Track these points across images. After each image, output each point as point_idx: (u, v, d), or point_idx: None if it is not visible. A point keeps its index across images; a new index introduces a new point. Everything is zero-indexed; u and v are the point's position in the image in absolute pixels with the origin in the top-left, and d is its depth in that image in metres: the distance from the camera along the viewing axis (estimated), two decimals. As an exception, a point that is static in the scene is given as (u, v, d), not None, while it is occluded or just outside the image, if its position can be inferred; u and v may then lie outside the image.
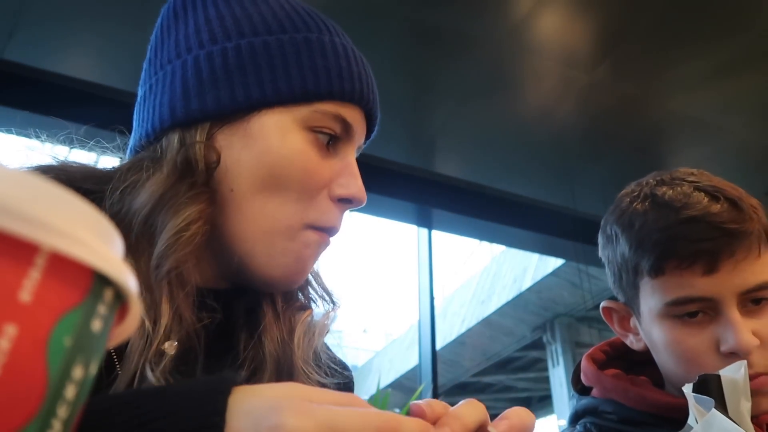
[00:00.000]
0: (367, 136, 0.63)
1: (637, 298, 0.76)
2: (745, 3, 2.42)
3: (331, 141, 0.56)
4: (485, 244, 8.53)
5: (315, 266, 0.61)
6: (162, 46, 0.58)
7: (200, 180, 0.52)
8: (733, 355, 0.67)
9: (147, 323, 0.46)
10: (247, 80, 0.53)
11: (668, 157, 3.44)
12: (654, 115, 3.06)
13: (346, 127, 0.56)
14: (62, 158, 0.60)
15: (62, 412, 0.19)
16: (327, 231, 0.56)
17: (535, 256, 7.04)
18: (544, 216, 3.71)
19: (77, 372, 0.19)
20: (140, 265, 0.49)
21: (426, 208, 3.58)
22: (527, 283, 7.26)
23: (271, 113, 0.53)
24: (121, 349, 0.47)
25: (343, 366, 0.66)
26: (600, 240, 0.83)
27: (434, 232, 3.84)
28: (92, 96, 2.67)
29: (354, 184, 0.56)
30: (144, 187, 0.51)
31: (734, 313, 0.68)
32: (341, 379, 0.62)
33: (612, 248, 0.79)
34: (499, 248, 8.38)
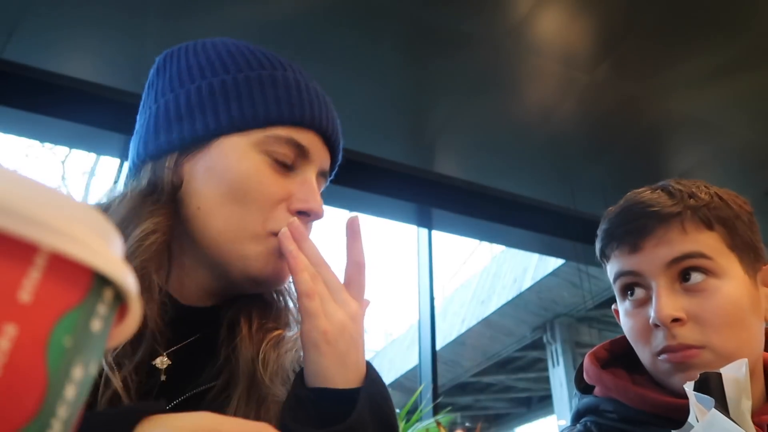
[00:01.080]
0: (334, 164, 0.71)
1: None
2: (746, 3, 2.42)
3: (287, 161, 0.63)
4: (485, 244, 8.53)
5: (291, 292, 0.68)
6: (147, 97, 0.68)
7: (163, 200, 0.60)
8: (659, 328, 0.71)
9: None
10: (206, 113, 0.62)
11: (668, 157, 3.44)
12: (654, 115, 3.06)
13: (301, 149, 0.63)
14: None
15: (62, 412, 0.19)
16: None
17: (535, 256, 7.04)
18: (544, 216, 3.71)
19: (77, 372, 0.19)
20: None
21: (426, 208, 3.58)
22: (527, 283, 7.25)
23: (228, 139, 0.61)
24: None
25: None
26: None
27: (434, 232, 3.84)
28: (92, 96, 2.67)
29: (311, 198, 0.63)
30: (118, 210, 0.60)
31: (659, 287, 0.72)
32: None
33: None
34: (499, 248, 8.38)
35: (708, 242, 0.72)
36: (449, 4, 2.40)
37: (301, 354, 0.60)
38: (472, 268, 9.26)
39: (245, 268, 0.60)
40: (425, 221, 3.75)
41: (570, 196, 3.63)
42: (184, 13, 2.38)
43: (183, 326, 0.60)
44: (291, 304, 0.69)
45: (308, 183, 0.64)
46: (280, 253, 0.60)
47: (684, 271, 0.72)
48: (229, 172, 0.60)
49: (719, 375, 0.62)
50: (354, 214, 0.62)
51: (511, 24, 2.52)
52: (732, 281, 0.72)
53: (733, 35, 2.56)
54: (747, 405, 0.61)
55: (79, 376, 0.20)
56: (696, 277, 0.71)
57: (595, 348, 0.83)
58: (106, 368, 0.51)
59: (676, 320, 0.70)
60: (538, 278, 7.04)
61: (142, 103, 0.69)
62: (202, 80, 0.64)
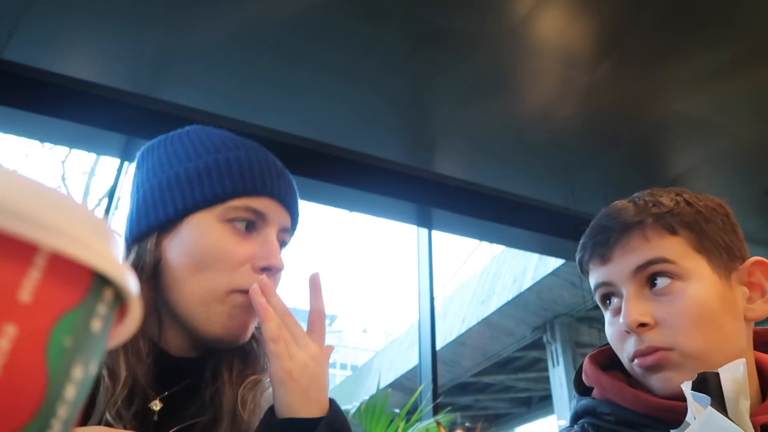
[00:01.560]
0: (295, 221, 0.81)
1: None
2: (745, 3, 2.42)
3: (249, 226, 0.73)
4: (485, 244, 8.53)
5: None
6: (132, 186, 0.80)
7: (144, 276, 0.70)
8: (630, 333, 0.74)
9: (108, 383, 0.64)
10: (175, 198, 0.73)
11: (668, 157, 3.44)
12: (654, 115, 3.06)
13: (258, 213, 0.74)
14: None
15: (62, 412, 0.19)
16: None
17: (535, 256, 7.04)
18: (544, 216, 3.71)
19: (77, 372, 0.19)
20: None
21: (426, 208, 3.58)
22: (527, 283, 7.25)
23: (196, 216, 0.72)
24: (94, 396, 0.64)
25: None
26: None
27: (434, 232, 3.84)
28: (92, 96, 2.67)
29: (272, 255, 0.73)
30: None
31: (627, 294, 0.75)
32: None
33: None
34: (499, 248, 8.38)
35: (671, 247, 0.75)
36: (449, 4, 2.40)
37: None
38: (472, 268, 9.26)
39: (209, 327, 0.70)
40: (425, 221, 3.75)
41: (570, 196, 3.63)
42: (184, 13, 2.38)
43: (173, 374, 0.72)
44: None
45: (268, 242, 0.74)
46: (243, 309, 0.70)
47: (650, 276, 0.74)
48: (197, 244, 0.71)
49: (717, 375, 0.63)
50: (315, 270, 0.73)
51: (511, 24, 2.52)
52: (699, 283, 0.73)
53: (733, 35, 2.56)
54: (745, 405, 0.61)
55: (80, 376, 0.20)
56: (662, 282, 0.73)
57: (595, 351, 0.84)
58: (110, 420, 0.62)
59: (643, 325, 0.72)
60: (538, 278, 7.05)
61: (129, 190, 0.81)
62: (171, 170, 0.75)
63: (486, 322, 8.14)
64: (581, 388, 0.83)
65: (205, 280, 0.70)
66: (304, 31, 2.49)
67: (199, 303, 0.70)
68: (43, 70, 2.61)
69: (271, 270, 0.73)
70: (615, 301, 0.78)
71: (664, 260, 0.74)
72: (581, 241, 0.84)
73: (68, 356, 0.19)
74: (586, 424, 0.76)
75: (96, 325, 0.20)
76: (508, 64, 2.74)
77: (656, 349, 0.71)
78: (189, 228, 0.72)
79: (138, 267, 0.71)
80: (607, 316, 0.80)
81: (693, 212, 0.77)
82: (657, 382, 0.71)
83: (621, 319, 0.74)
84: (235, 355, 0.76)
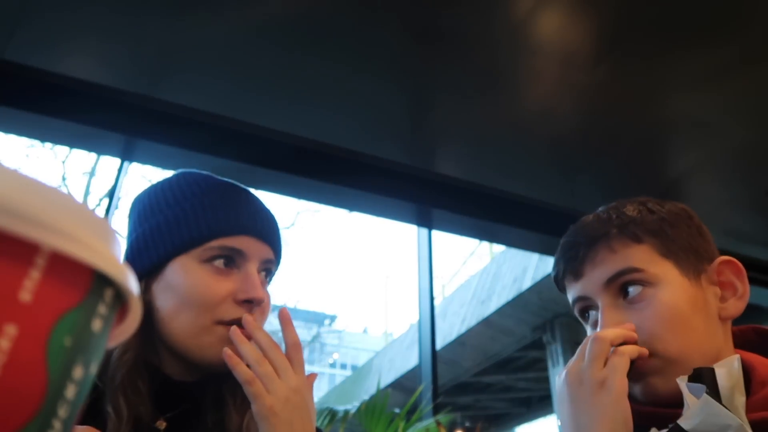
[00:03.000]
0: (278, 253, 0.85)
1: None
2: (745, 3, 2.42)
3: (228, 262, 0.78)
4: (485, 244, 8.52)
5: None
6: (126, 232, 0.85)
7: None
8: None
9: (114, 419, 0.69)
10: (158, 245, 0.78)
11: (668, 157, 3.44)
12: (654, 115, 3.06)
13: (236, 251, 0.78)
14: None
15: (62, 412, 0.19)
16: (236, 323, 0.75)
17: (535, 256, 7.04)
18: (544, 216, 3.71)
19: (77, 372, 0.19)
20: (102, 381, 0.72)
21: (426, 208, 3.58)
22: (527, 283, 7.25)
23: (177, 260, 0.77)
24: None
25: None
26: None
27: (434, 232, 3.84)
28: (92, 96, 2.67)
29: (251, 288, 0.77)
30: None
31: (603, 306, 0.78)
32: None
33: None
34: (499, 248, 8.38)
35: (637, 255, 0.77)
36: (449, 4, 2.40)
37: None
38: (472, 268, 9.26)
39: (203, 356, 0.75)
40: (425, 221, 3.75)
41: (570, 196, 3.63)
42: (185, 12, 2.38)
43: (175, 397, 0.77)
44: None
45: (248, 276, 0.78)
46: (229, 340, 0.74)
47: (622, 286, 0.77)
48: (180, 286, 0.76)
49: (712, 370, 0.63)
50: (282, 305, 0.75)
51: (511, 24, 2.52)
52: (668, 287, 0.75)
53: (733, 35, 2.56)
54: (741, 401, 0.62)
55: (80, 376, 0.20)
56: (633, 290, 0.76)
57: None
58: None
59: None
60: (538, 278, 7.04)
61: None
62: (154, 219, 0.81)
63: (486, 322, 8.13)
64: None
65: (191, 317, 0.75)
66: (305, 31, 2.49)
67: (189, 336, 0.75)
68: (43, 70, 2.61)
69: (252, 302, 0.77)
70: (593, 314, 0.81)
71: (633, 269, 0.76)
72: (555, 258, 0.87)
73: (68, 356, 0.19)
74: None
75: (96, 325, 0.20)
76: (508, 64, 2.74)
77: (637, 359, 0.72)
78: (172, 271, 0.77)
79: None
80: (588, 329, 0.83)
81: (656, 219, 0.79)
82: (641, 388, 0.73)
83: (598, 329, 0.77)
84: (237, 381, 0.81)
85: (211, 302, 0.75)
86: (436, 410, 3.09)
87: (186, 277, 0.76)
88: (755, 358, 0.74)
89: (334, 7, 2.41)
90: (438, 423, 2.75)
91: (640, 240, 0.78)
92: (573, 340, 7.72)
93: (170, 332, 0.76)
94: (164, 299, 0.77)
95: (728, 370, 0.63)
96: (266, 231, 0.83)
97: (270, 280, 0.86)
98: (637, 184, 3.50)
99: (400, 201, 3.43)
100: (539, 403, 10.99)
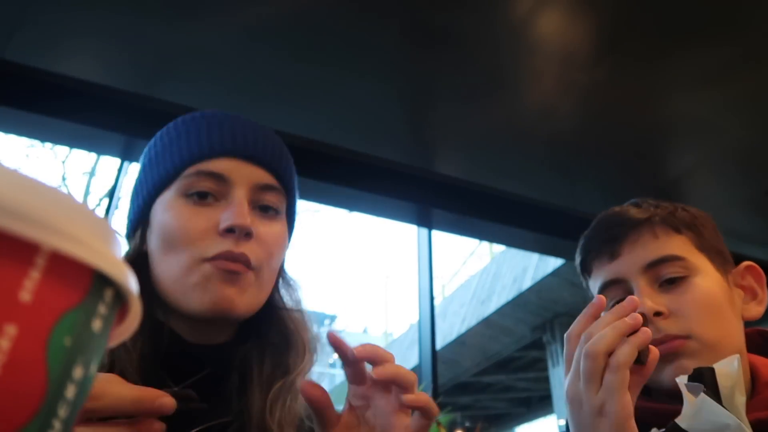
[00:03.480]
0: (282, 172, 0.74)
1: None
2: (745, 3, 2.42)
3: (210, 193, 0.68)
4: (485, 244, 8.52)
5: (306, 318, 0.74)
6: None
7: (134, 270, 0.67)
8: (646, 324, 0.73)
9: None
10: (143, 186, 0.73)
11: (668, 157, 3.44)
12: (654, 115, 3.06)
13: (216, 177, 0.69)
14: None
15: (63, 412, 0.19)
16: (221, 257, 0.65)
17: (535, 256, 7.04)
18: (544, 216, 3.71)
19: (77, 372, 0.19)
20: None
21: (426, 208, 3.58)
22: (527, 283, 7.25)
23: (159, 199, 0.70)
24: None
25: None
26: None
27: (434, 232, 3.84)
28: (92, 96, 2.67)
29: (234, 215, 0.66)
30: None
31: (640, 285, 0.77)
32: None
33: None
34: (499, 248, 8.38)
35: (678, 244, 0.79)
36: (449, 4, 2.39)
37: None
38: (472, 268, 9.26)
39: (190, 304, 0.65)
40: (425, 221, 3.75)
41: (570, 196, 3.63)
42: (185, 12, 2.37)
43: (194, 362, 0.66)
44: (309, 335, 0.73)
45: (232, 203, 0.67)
46: (215, 278, 0.64)
47: (661, 273, 0.77)
48: (160, 225, 0.68)
49: (712, 369, 0.63)
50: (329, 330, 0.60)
51: (510, 24, 2.52)
52: (706, 277, 0.77)
53: (732, 35, 2.56)
54: (741, 400, 0.62)
55: (80, 376, 0.20)
56: (672, 277, 0.77)
57: None
58: None
59: (658, 314, 0.74)
60: (538, 278, 7.04)
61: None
62: (141, 163, 0.76)
63: (486, 322, 8.13)
64: None
65: (172, 258, 0.66)
66: (304, 31, 2.49)
67: (173, 282, 0.66)
68: (43, 70, 2.60)
69: (235, 231, 0.66)
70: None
71: (676, 257, 0.77)
72: (582, 243, 0.86)
73: (69, 356, 0.19)
74: None
75: (96, 324, 0.20)
76: (508, 64, 2.74)
77: (674, 338, 0.72)
78: (155, 212, 0.70)
79: (129, 263, 0.68)
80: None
81: (690, 216, 0.82)
82: (671, 371, 0.72)
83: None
84: (267, 348, 0.70)
85: (190, 237, 0.66)
86: (436, 410, 3.09)
87: (165, 214, 0.68)
88: (760, 360, 0.75)
89: (333, 10, 2.41)
90: (438, 423, 2.75)
91: (680, 231, 0.79)
92: (573, 340, 7.70)
93: (159, 279, 0.68)
94: (152, 243, 0.70)
95: (728, 370, 0.63)
96: (256, 150, 0.71)
97: (278, 214, 0.73)
98: (637, 184, 3.50)
99: (400, 201, 3.42)
100: (539, 403, 10.99)
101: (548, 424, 11.15)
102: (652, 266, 0.77)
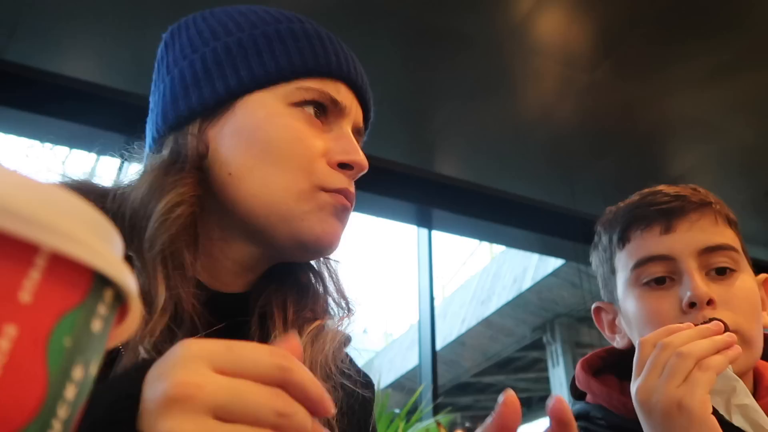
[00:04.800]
0: (366, 120, 0.65)
1: (615, 286, 0.81)
2: (745, 3, 2.42)
3: (320, 113, 0.58)
4: (485, 244, 8.53)
5: (333, 273, 0.64)
6: (158, 75, 0.65)
7: (187, 168, 0.56)
8: (693, 308, 0.71)
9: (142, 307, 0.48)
10: (226, 73, 0.58)
11: (668, 157, 3.44)
12: (654, 115, 3.06)
13: (334, 102, 0.59)
14: (83, 177, 0.62)
15: (62, 412, 0.19)
16: (340, 193, 0.57)
17: (535, 256, 7.03)
18: (544, 216, 3.71)
19: (77, 372, 0.19)
20: (133, 250, 0.52)
21: (426, 208, 3.58)
22: (527, 284, 7.25)
23: (254, 97, 0.57)
24: None
25: (364, 382, 0.64)
26: (591, 252, 0.89)
27: (434, 232, 3.84)
28: (92, 96, 2.67)
29: (352, 150, 0.57)
30: (139, 187, 0.56)
31: (692, 269, 0.73)
32: (360, 389, 0.61)
33: (596, 250, 0.86)
34: (499, 248, 8.38)
35: (732, 237, 0.77)
36: (449, 4, 2.40)
37: (345, 346, 0.58)
38: (472, 268, 9.26)
39: (293, 231, 0.55)
40: (425, 221, 3.75)
41: (570, 196, 3.63)
42: (185, 13, 2.37)
43: (211, 312, 0.55)
44: (331, 288, 0.64)
45: (346, 136, 0.59)
46: (332, 212, 0.56)
47: (714, 260, 0.75)
48: (260, 130, 0.56)
49: None
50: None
51: (511, 24, 2.52)
52: (749, 276, 0.76)
53: (732, 35, 2.56)
54: (755, 404, 0.61)
55: (80, 376, 0.20)
56: (722, 267, 0.74)
57: (588, 355, 0.84)
58: (144, 355, 0.47)
59: (710, 302, 0.71)
60: (538, 278, 7.04)
61: (153, 83, 0.66)
62: (217, 42, 0.60)
63: (486, 323, 8.13)
64: (576, 393, 0.83)
65: (275, 174, 0.55)
66: (304, 31, 2.49)
67: (275, 202, 0.55)
68: (43, 70, 2.61)
69: (353, 168, 0.58)
70: (669, 282, 0.75)
71: (732, 248, 0.76)
72: (625, 211, 0.79)
73: (68, 356, 0.19)
74: (579, 428, 0.77)
75: (96, 325, 0.20)
76: (508, 65, 2.74)
77: (726, 325, 0.69)
78: (245, 112, 0.57)
79: (178, 157, 0.57)
80: (644, 291, 0.76)
81: (733, 216, 0.81)
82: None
83: (688, 292, 0.71)
84: (288, 293, 0.61)
85: (304, 158, 0.56)
86: (436, 410, 3.09)
87: (270, 120, 0.56)
88: (762, 364, 0.75)
89: (334, 8, 2.41)
90: (438, 423, 2.75)
91: (731, 225, 0.78)
92: (573, 340, 7.72)
93: (243, 195, 0.55)
94: (233, 148, 0.56)
95: (723, 372, 0.62)
96: (364, 85, 0.64)
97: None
98: (637, 184, 3.49)
99: (400, 201, 3.43)
100: (539, 404, 10.98)
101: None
102: (709, 251, 0.74)
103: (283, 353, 0.32)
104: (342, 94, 0.60)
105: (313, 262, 0.64)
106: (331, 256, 0.64)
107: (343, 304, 0.64)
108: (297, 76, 0.58)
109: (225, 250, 0.58)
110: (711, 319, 0.69)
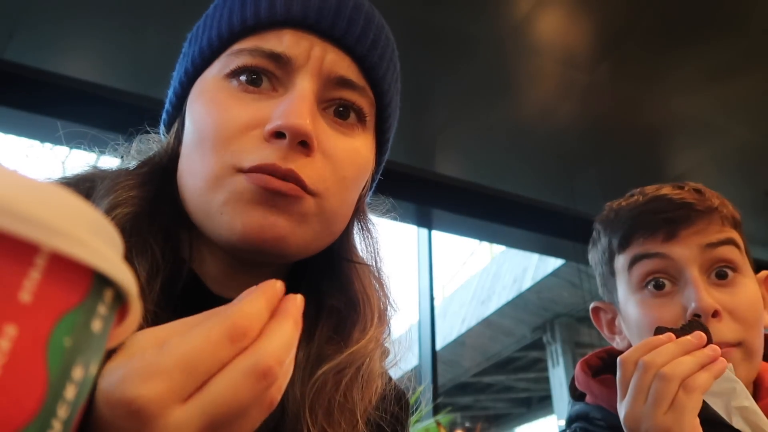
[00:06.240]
0: (371, 63, 0.53)
1: (615, 288, 0.79)
2: (745, 3, 2.42)
3: (263, 78, 0.48)
4: (485, 244, 8.53)
5: (383, 278, 0.56)
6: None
7: (145, 170, 0.53)
8: (696, 318, 0.68)
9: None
10: (180, 68, 0.56)
11: (668, 158, 3.44)
12: (654, 115, 3.06)
13: (275, 56, 0.48)
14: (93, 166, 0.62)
15: (62, 412, 0.19)
16: (262, 171, 0.44)
17: (535, 256, 7.03)
18: (544, 216, 3.71)
19: (77, 372, 0.19)
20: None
21: (426, 208, 3.58)
22: (527, 284, 7.25)
23: (198, 83, 0.52)
24: None
25: (396, 397, 0.57)
26: (589, 248, 0.87)
27: (434, 232, 3.84)
28: (92, 96, 2.67)
29: (287, 113, 0.45)
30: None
31: (695, 276, 0.70)
32: (393, 409, 0.55)
33: (595, 248, 0.84)
34: (499, 248, 8.38)
35: (736, 236, 0.75)
36: (449, 5, 2.39)
37: (379, 383, 0.49)
38: (472, 268, 9.26)
39: (216, 229, 0.46)
40: (425, 221, 3.75)
41: (570, 196, 3.63)
42: (185, 13, 2.37)
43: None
44: (384, 301, 0.54)
45: (289, 96, 0.47)
46: (249, 198, 0.45)
47: (715, 263, 0.72)
48: (195, 115, 0.49)
49: None
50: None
51: (511, 24, 2.52)
52: (752, 280, 0.74)
53: (732, 36, 2.56)
54: (754, 406, 0.61)
55: (80, 376, 0.20)
56: (726, 272, 0.72)
57: (588, 355, 0.84)
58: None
59: (716, 314, 0.69)
60: (538, 278, 7.04)
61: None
62: (187, 39, 0.58)
63: (486, 322, 8.13)
64: (576, 393, 0.83)
65: (198, 161, 0.47)
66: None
67: (197, 196, 0.47)
68: (43, 70, 2.60)
69: (284, 136, 0.45)
70: (666, 283, 0.73)
71: (734, 243, 0.73)
72: (629, 216, 0.77)
73: (68, 356, 0.19)
74: (578, 429, 0.77)
75: (96, 325, 0.20)
76: (509, 65, 2.74)
77: (726, 344, 0.67)
78: (191, 98, 0.51)
79: (150, 156, 0.55)
80: (645, 296, 0.74)
81: (738, 216, 0.79)
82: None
83: (693, 303, 0.68)
84: (322, 311, 0.51)
85: (223, 134, 0.46)
86: (436, 410, 3.09)
87: (201, 100, 0.49)
88: (763, 366, 0.74)
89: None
90: (438, 423, 2.74)
91: (735, 227, 0.76)
92: (573, 340, 7.72)
93: (181, 191, 0.50)
94: (183, 140, 0.51)
95: (727, 374, 0.62)
96: (343, 23, 0.50)
97: (360, 122, 0.52)
98: (637, 184, 3.49)
99: (400, 201, 3.42)
100: (539, 404, 10.98)
101: (548, 424, 11.15)
102: (710, 248, 0.72)
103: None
104: (287, 42, 0.48)
105: (358, 266, 0.55)
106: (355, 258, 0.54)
107: (386, 324, 0.55)
108: (228, 42, 0.50)
109: (210, 255, 0.51)
110: (695, 316, 0.68)
